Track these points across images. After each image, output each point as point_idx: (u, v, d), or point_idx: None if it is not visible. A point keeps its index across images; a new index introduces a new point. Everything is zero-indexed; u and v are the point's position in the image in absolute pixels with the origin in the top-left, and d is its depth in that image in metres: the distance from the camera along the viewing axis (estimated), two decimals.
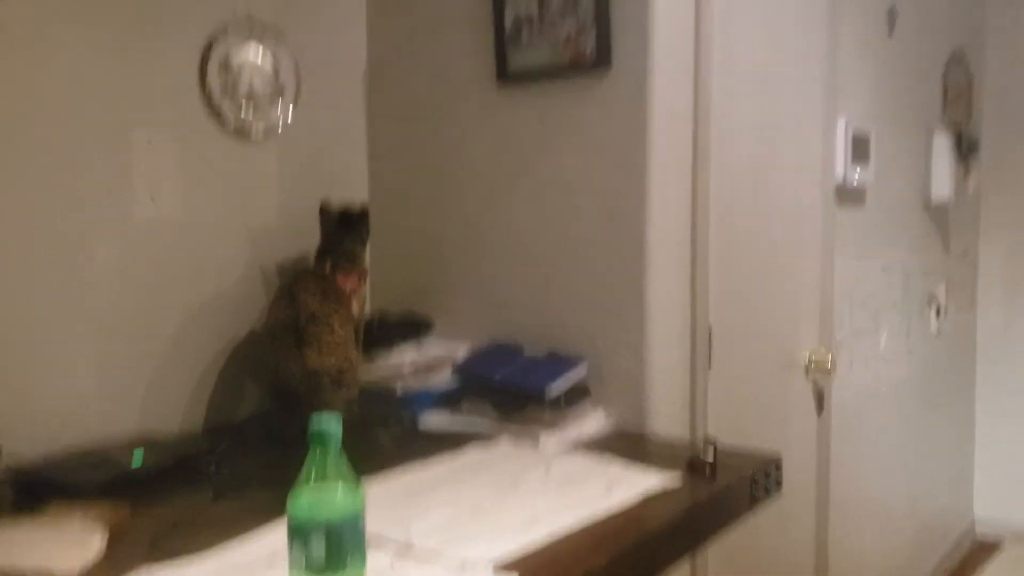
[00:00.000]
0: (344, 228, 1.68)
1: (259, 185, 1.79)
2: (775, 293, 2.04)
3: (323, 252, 1.67)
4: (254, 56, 1.75)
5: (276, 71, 1.78)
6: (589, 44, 1.63)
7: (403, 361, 1.74)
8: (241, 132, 1.74)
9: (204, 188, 1.69)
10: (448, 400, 1.67)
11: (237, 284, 1.75)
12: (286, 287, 1.65)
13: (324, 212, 1.69)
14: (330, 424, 0.86)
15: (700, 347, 1.74)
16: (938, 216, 2.90)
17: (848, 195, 2.29)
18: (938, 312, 2.93)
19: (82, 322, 1.52)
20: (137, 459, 1.34)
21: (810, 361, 2.13)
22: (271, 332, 1.60)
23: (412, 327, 1.82)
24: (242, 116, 1.73)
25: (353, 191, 1.91)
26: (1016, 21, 3.15)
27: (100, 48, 1.53)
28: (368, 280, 1.73)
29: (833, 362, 2.13)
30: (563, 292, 1.72)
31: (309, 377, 1.52)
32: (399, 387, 1.69)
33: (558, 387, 1.57)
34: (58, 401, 1.48)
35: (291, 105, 1.81)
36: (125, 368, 1.58)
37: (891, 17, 2.47)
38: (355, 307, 1.63)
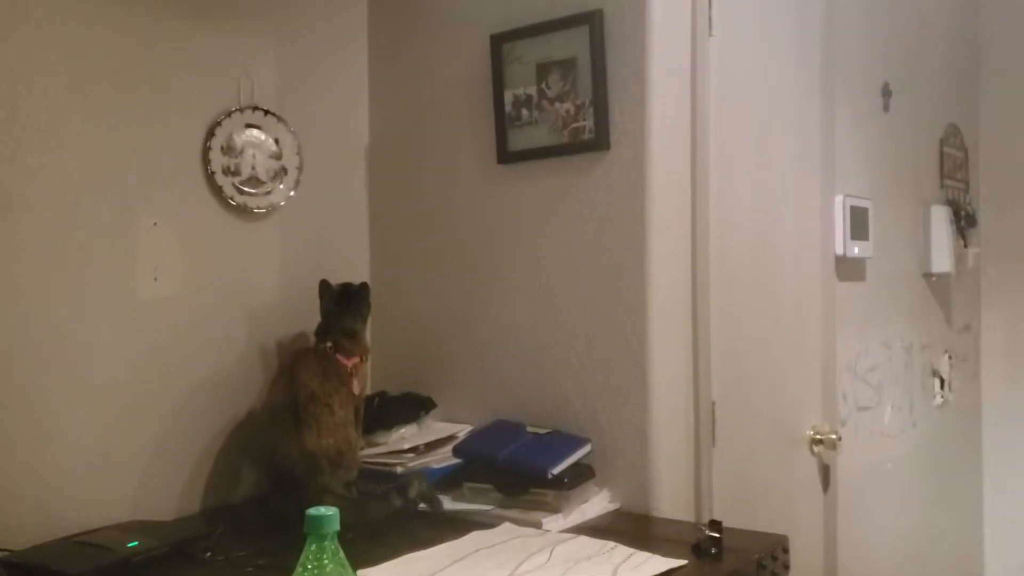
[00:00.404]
0: (344, 305, 1.67)
1: (261, 264, 1.79)
2: (777, 368, 2.03)
3: (323, 330, 1.66)
4: (257, 137, 1.77)
5: (279, 152, 1.80)
6: (587, 125, 1.65)
7: (403, 440, 1.72)
8: (244, 212, 1.75)
9: (206, 267, 1.70)
10: (450, 480, 1.64)
11: (237, 363, 1.74)
12: (286, 366, 1.64)
13: (324, 289, 1.69)
14: (327, 517, 0.84)
15: (704, 425, 1.72)
16: (939, 289, 2.89)
17: (848, 269, 2.29)
18: (942, 385, 2.91)
19: (81, 404, 1.51)
20: (132, 545, 1.31)
21: (814, 436, 2.10)
22: (270, 412, 1.59)
23: (413, 406, 1.80)
24: (245, 196, 1.75)
25: (355, 270, 1.91)
26: (1008, 96, 3.19)
27: (107, 134, 1.55)
28: (369, 358, 1.72)
29: (838, 437, 2.11)
30: (565, 369, 1.71)
31: (307, 458, 1.49)
32: (399, 467, 1.67)
33: (562, 468, 1.55)
34: (53, 484, 1.46)
35: (293, 184, 1.82)
36: (122, 449, 1.56)
37: (885, 94, 2.50)
38: (356, 386, 1.62)
